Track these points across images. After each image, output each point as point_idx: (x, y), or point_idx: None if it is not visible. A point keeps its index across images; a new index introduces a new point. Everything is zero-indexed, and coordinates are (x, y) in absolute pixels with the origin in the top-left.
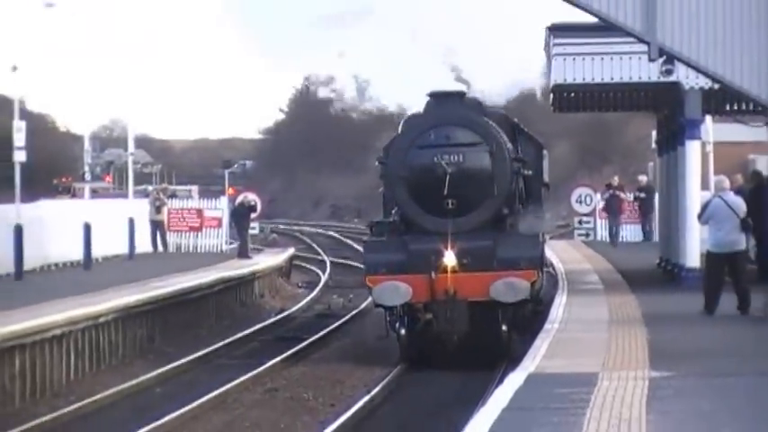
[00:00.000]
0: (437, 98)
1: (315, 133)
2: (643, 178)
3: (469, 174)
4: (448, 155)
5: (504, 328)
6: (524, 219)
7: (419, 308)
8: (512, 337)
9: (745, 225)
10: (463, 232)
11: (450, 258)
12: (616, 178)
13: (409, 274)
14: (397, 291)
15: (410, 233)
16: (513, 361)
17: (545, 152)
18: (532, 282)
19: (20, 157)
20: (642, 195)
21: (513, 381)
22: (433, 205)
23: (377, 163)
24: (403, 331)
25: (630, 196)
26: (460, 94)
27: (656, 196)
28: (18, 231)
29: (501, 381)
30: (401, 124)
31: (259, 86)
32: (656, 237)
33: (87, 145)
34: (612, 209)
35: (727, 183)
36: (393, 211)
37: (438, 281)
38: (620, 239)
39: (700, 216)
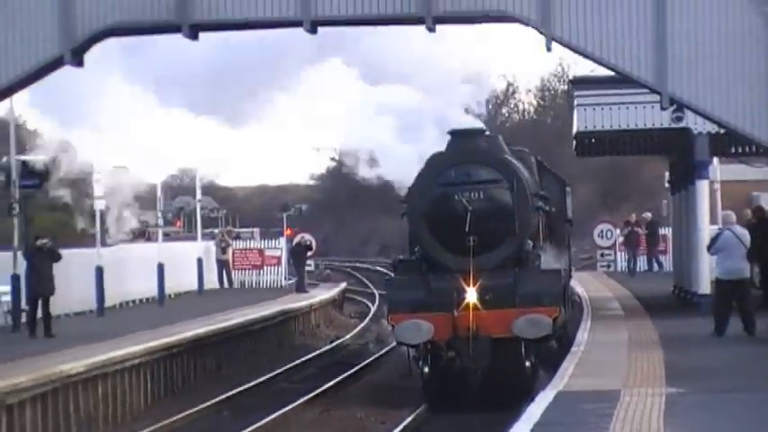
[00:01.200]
0: (457, 136)
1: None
2: (648, 215)
3: (491, 211)
4: (469, 192)
5: (527, 364)
6: (547, 255)
7: (442, 345)
8: (536, 372)
9: (750, 255)
10: (485, 269)
11: (471, 296)
12: (633, 216)
13: (431, 312)
14: (419, 329)
15: (432, 271)
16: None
17: (568, 189)
18: (554, 318)
19: (99, 205)
20: (645, 231)
21: (544, 398)
22: (455, 243)
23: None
24: (426, 369)
25: (645, 231)
26: (481, 131)
27: (660, 230)
28: (99, 272)
29: (532, 399)
30: (424, 163)
31: (310, 138)
32: (666, 267)
33: (159, 193)
34: (631, 243)
35: (734, 217)
36: (416, 249)
37: (460, 318)
38: (638, 270)
39: (710, 247)
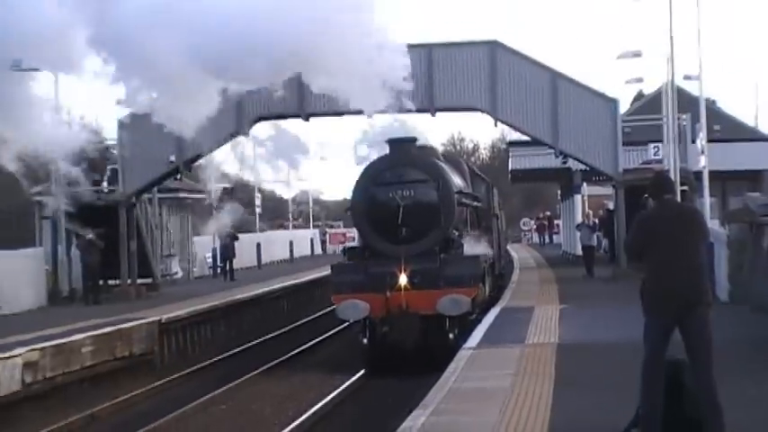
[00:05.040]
0: (393, 143)
1: None
2: (547, 213)
3: (419, 206)
4: (401, 190)
5: (450, 336)
6: (472, 242)
7: (377, 321)
8: (457, 342)
9: (604, 232)
10: (415, 256)
11: (402, 279)
12: (542, 214)
13: (368, 293)
14: (356, 308)
15: (372, 257)
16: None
17: (495, 190)
18: (473, 297)
19: (258, 210)
20: (546, 223)
21: (494, 311)
22: (390, 234)
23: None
24: (365, 341)
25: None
26: (413, 140)
27: (554, 221)
28: (258, 246)
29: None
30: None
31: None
32: (555, 241)
33: (290, 203)
34: (540, 229)
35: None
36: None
37: (392, 298)
38: (544, 243)
39: (594, 229)
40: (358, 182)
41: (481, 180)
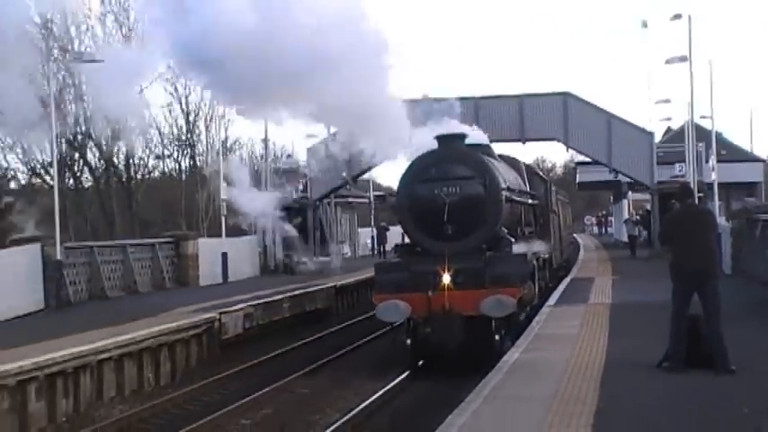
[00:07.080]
0: (441, 139)
1: None
2: (603, 212)
3: (465, 203)
4: (447, 187)
5: (496, 337)
6: (522, 240)
7: (420, 322)
8: (504, 343)
9: (642, 225)
10: (460, 254)
11: (446, 278)
12: (599, 213)
13: (410, 293)
14: (397, 308)
15: (419, 254)
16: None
17: (553, 188)
18: (519, 297)
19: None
20: (603, 219)
21: (566, 281)
22: (435, 231)
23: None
24: (408, 341)
25: (604, 219)
26: (461, 136)
27: (609, 217)
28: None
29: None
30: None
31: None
32: (609, 231)
33: None
34: (599, 223)
35: (633, 213)
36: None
37: (435, 298)
38: (602, 234)
39: (635, 223)
40: (403, 177)
41: (540, 179)
